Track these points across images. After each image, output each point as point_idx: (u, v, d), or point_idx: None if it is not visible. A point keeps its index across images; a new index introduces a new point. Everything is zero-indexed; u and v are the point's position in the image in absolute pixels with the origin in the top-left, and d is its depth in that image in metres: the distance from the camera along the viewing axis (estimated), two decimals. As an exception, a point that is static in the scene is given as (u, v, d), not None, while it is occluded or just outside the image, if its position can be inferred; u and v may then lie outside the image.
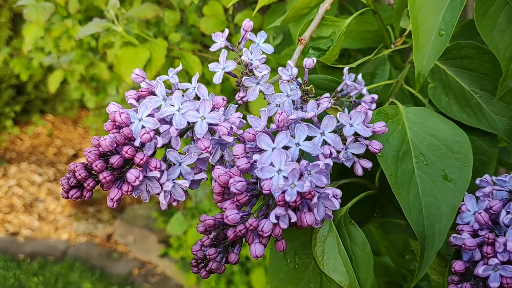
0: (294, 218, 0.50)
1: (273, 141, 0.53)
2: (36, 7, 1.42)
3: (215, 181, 0.52)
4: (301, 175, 0.50)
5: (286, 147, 0.53)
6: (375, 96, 0.66)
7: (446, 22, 0.61)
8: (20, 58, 3.25)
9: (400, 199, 0.60)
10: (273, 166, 0.51)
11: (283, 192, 0.48)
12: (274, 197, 0.50)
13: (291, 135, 0.54)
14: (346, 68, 0.66)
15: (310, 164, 0.51)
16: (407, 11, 0.87)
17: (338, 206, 0.51)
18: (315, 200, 0.49)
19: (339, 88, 0.67)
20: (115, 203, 0.52)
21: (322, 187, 0.52)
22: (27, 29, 1.61)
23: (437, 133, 0.64)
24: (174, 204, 0.57)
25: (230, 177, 0.50)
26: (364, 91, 0.67)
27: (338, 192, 0.52)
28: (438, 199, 0.61)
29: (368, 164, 0.59)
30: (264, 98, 0.63)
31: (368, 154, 0.60)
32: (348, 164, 0.59)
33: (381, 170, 0.68)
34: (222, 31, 0.67)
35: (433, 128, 0.64)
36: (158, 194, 0.55)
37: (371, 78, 0.78)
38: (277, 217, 0.50)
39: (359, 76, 0.67)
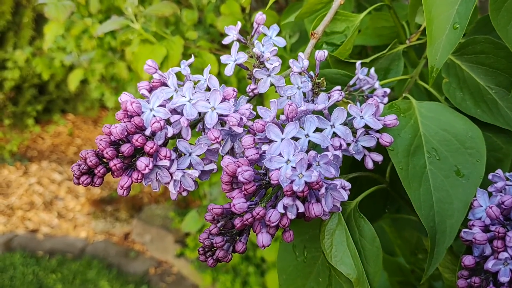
0: (301, 209, 0.50)
1: (282, 132, 0.53)
2: (56, 5, 1.45)
3: (224, 170, 0.52)
4: (309, 165, 0.50)
5: (295, 138, 0.53)
6: (388, 90, 0.66)
7: (460, 15, 0.60)
8: (42, 58, 3.32)
9: (411, 193, 0.59)
10: (281, 156, 0.51)
11: (291, 182, 0.48)
12: (282, 188, 0.50)
13: (301, 127, 0.54)
14: (358, 62, 0.66)
15: (319, 155, 0.51)
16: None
17: (346, 197, 0.51)
18: (323, 190, 0.49)
19: (351, 82, 0.67)
20: (125, 190, 0.52)
21: (331, 179, 0.52)
22: (47, 26, 1.64)
23: (450, 128, 0.63)
24: (184, 194, 0.57)
25: (238, 167, 0.50)
26: (377, 85, 0.66)
27: (347, 183, 0.52)
28: (450, 194, 0.60)
29: (378, 158, 0.59)
30: (276, 91, 0.63)
31: (379, 148, 0.60)
32: (359, 157, 0.58)
33: (392, 165, 0.67)
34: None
35: (446, 123, 0.63)
36: (168, 183, 0.55)
37: (385, 73, 0.77)
38: (284, 207, 0.50)
39: (372, 70, 0.67)
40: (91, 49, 2.39)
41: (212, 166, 0.58)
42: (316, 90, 0.62)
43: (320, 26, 0.71)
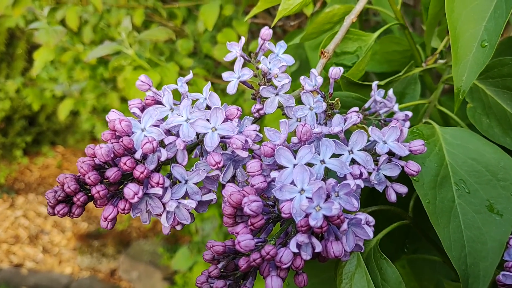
0: (318, 248, 0.42)
1: (295, 157, 0.46)
2: (47, 30, 1.39)
3: (226, 200, 0.44)
4: (328, 196, 0.42)
5: (309, 165, 0.46)
6: (409, 113, 0.59)
7: (489, 32, 0.54)
8: (33, 88, 3.25)
9: (440, 231, 0.51)
10: (294, 185, 0.43)
11: (307, 215, 0.40)
12: (295, 222, 0.42)
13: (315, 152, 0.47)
14: (375, 83, 0.60)
15: (339, 184, 0.43)
16: (437, 31, 0.81)
17: (371, 234, 0.43)
18: (344, 226, 0.42)
19: (366, 105, 0.60)
20: (109, 223, 0.44)
21: (352, 212, 0.44)
22: (37, 52, 1.58)
23: (480, 157, 0.56)
24: (178, 228, 0.49)
25: (244, 196, 0.43)
26: (396, 108, 0.59)
27: (371, 219, 0.45)
28: (482, 232, 0.52)
29: (403, 189, 0.51)
30: (283, 114, 0.56)
31: (400, 178, 0.52)
32: (380, 188, 0.51)
33: (416, 198, 0.60)
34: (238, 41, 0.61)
35: (474, 152, 0.56)
36: (160, 215, 0.47)
37: (401, 98, 0.71)
38: (298, 246, 0.42)
39: (390, 92, 0.60)
40: (83, 79, 2.34)
41: (211, 196, 0.50)
42: (329, 112, 0.56)
43: (331, 44, 0.65)
